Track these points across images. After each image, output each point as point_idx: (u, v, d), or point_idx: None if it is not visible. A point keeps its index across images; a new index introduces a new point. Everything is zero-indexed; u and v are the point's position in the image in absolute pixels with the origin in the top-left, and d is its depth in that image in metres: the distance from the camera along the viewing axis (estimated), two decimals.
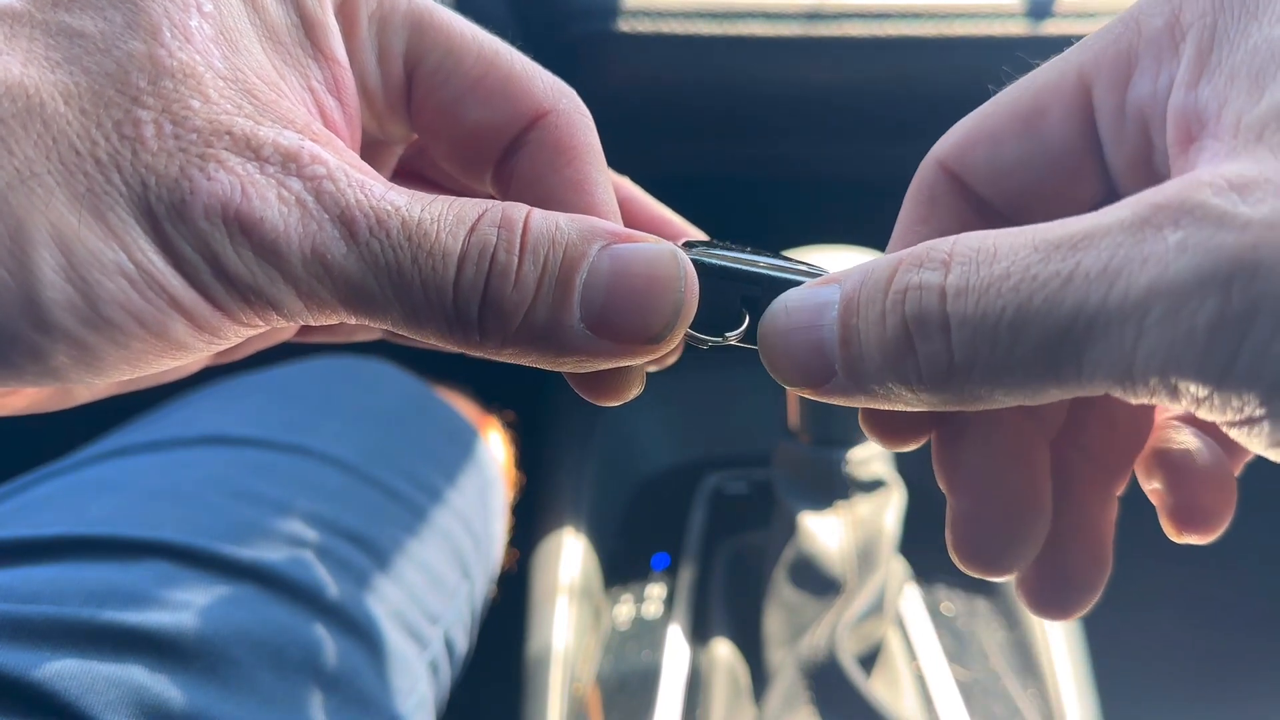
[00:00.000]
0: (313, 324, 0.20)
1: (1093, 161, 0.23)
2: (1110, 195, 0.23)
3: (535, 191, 0.23)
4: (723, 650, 0.62)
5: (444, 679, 0.46)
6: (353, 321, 0.20)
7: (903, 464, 0.63)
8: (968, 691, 0.61)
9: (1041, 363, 0.17)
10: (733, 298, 0.23)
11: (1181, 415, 0.26)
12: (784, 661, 0.58)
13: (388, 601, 0.42)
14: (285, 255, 0.19)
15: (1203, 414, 0.17)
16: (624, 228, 0.21)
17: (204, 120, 0.18)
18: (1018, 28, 0.61)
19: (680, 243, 0.24)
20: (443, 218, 0.20)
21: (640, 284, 0.20)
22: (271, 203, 0.18)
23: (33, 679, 0.31)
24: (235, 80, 0.19)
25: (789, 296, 0.21)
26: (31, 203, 0.17)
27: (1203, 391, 0.16)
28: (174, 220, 0.18)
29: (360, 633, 0.40)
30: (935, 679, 0.61)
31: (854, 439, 0.60)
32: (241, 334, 0.20)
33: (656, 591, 0.69)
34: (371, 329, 0.31)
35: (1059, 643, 0.63)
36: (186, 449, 0.45)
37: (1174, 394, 0.16)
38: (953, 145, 0.24)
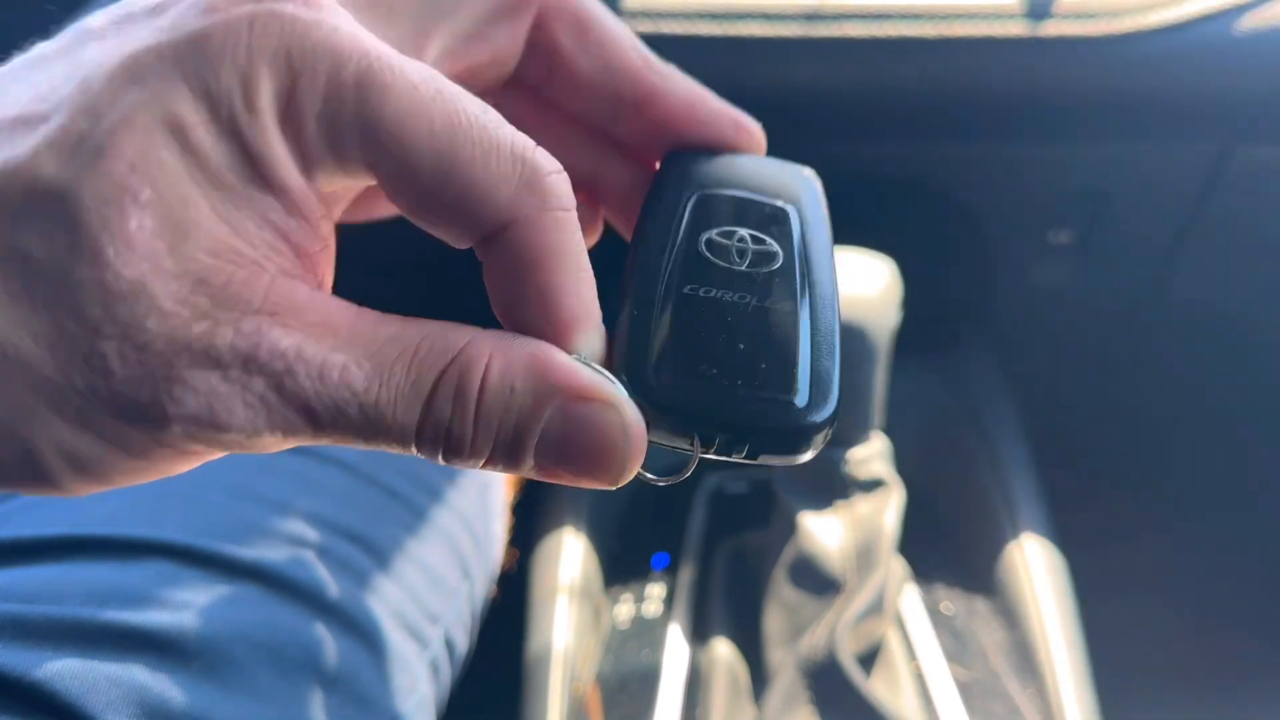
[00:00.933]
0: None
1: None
2: None
3: (504, 295, 0.23)
4: (723, 649, 0.62)
5: (444, 678, 0.46)
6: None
7: (903, 464, 0.63)
8: (967, 691, 0.61)
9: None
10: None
11: None
12: (784, 661, 0.58)
13: (388, 601, 0.42)
14: (257, 441, 0.21)
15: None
16: (581, 380, 0.22)
17: (164, 341, 0.19)
18: (1017, 28, 0.61)
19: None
20: (399, 393, 0.21)
21: (591, 443, 0.22)
22: (238, 411, 0.20)
23: (33, 679, 0.31)
24: (186, 273, 0.19)
25: None
26: (33, 430, 0.19)
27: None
28: (155, 433, 0.20)
29: (361, 632, 0.40)
30: (935, 678, 0.61)
31: (854, 439, 0.60)
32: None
33: (656, 591, 0.69)
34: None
35: (1058, 642, 0.63)
36: None
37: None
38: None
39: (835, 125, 0.68)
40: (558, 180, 0.23)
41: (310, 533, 0.41)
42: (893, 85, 0.65)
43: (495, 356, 0.21)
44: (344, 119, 0.21)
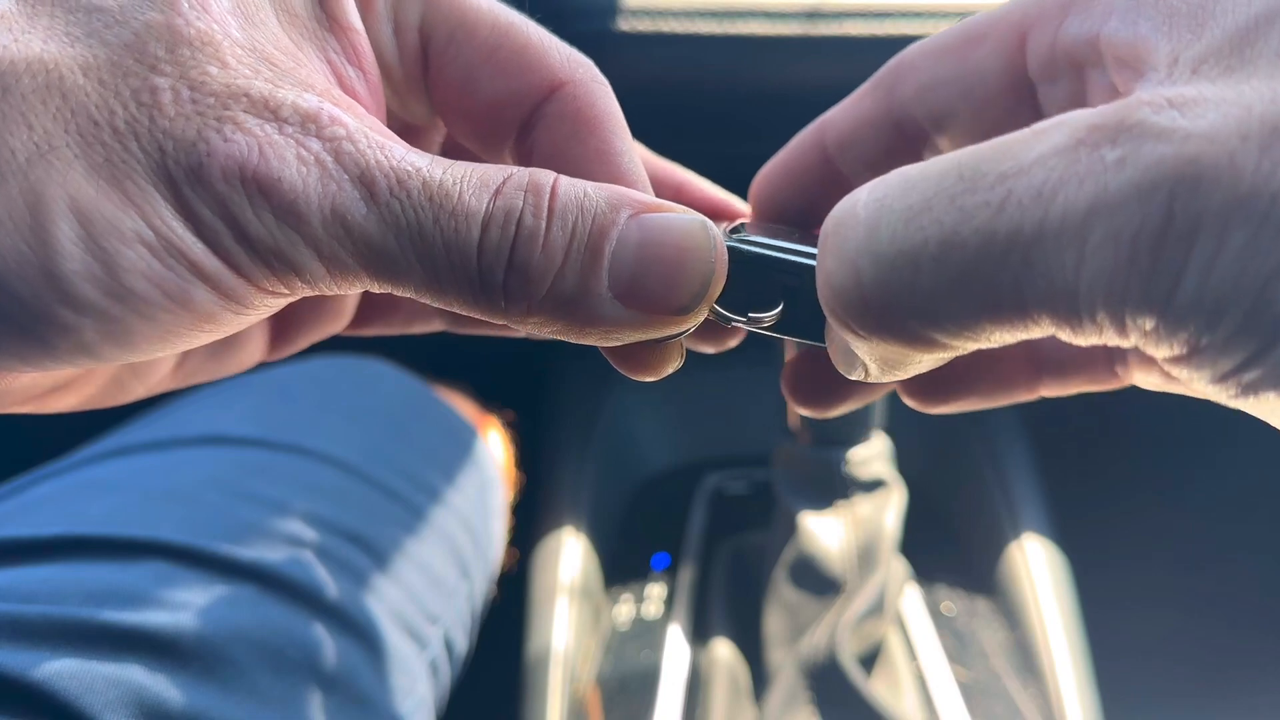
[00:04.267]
0: (337, 291, 0.20)
1: (1021, 104, 0.23)
2: None
3: (557, 164, 0.23)
4: (723, 650, 0.62)
5: (444, 679, 0.46)
6: (376, 289, 0.20)
7: (903, 464, 0.63)
8: (968, 692, 0.60)
9: (976, 298, 0.16)
10: (771, 285, 0.23)
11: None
12: (784, 661, 0.58)
13: (387, 601, 0.42)
14: (305, 216, 0.18)
15: (1150, 349, 0.16)
16: (653, 198, 0.21)
17: (221, 85, 0.18)
18: None
19: (727, 226, 0.24)
20: (466, 180, 0.19)
21: (669, 253, 0.20)
22: (290, 163, 0.18)
23: (32, 679, 0.31)
24: (252, 49, 0.19)
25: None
26: (50, 175, 0.17)
27: (1149, 323, 0.15)
28: (192, 184, 0.18)
29: (359, 633, 0.40)
30: (936, 679, 0.61)
31: (854, 439, 0.60)
32: (269, 303, 0.20)
33: (656, 591, 0.69)
34: (428, 317, 0.30)
35: (1060, 643, 0.63)
36: (185, 449, 0.45)
37: (1121, 327, 0.15)
38: (900, 56, 0.25)
39: None
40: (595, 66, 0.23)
41: (309, 533, 0.41)
42: None
43: (559, 175, 0.20)
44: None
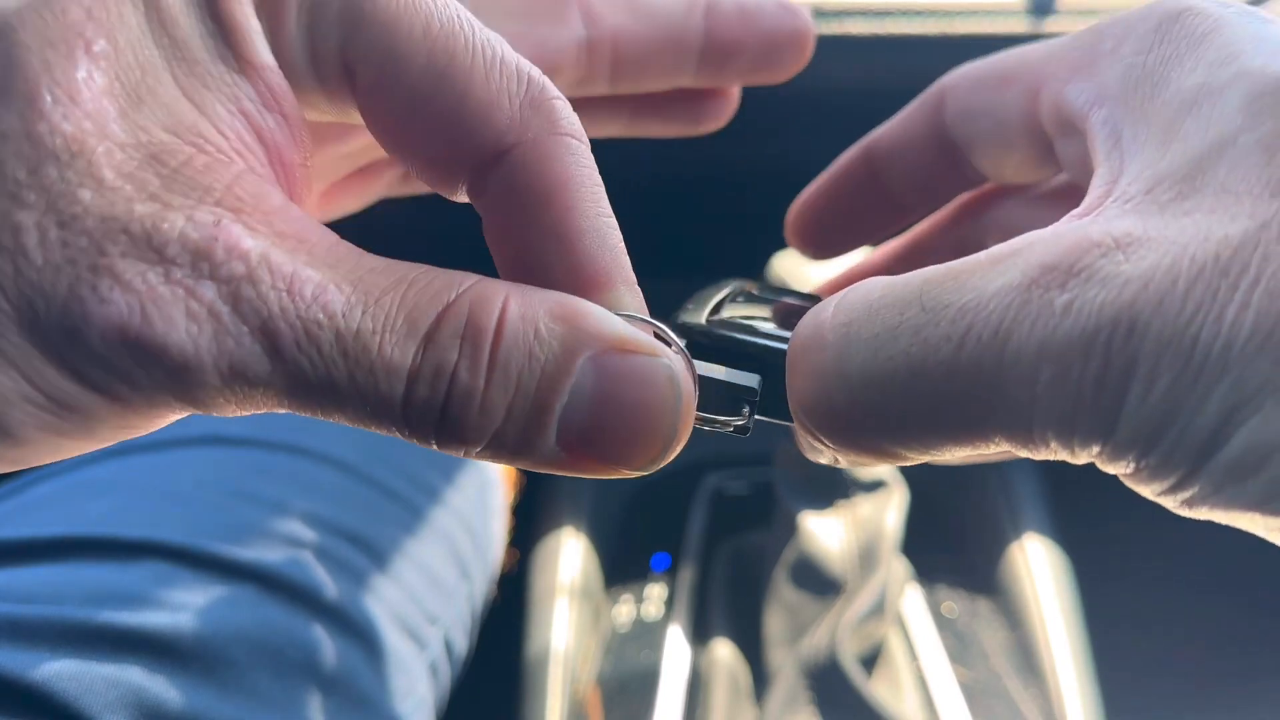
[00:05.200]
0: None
1: (1042, 152, 0.24)
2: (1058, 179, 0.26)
3: (510, 241, 0.19)
4: (723, 651, 0.61)
5: (443, 680, 0.46)
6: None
7: (904, 465, 0.63)
8: (969, 692, 0.60)
9: (940, 423, 0.17)
10: (742, 374, 0.22)
11: None
12: (785, 662, 0.58)
13: (386, 602, 0.42)
14: (199, 375, 0.16)
15: (1103, 466, 0.17)
16: (619, 327, 0.18)
17: (96, 217, 0.15)
18: (1020, 25, 0.61)
19: (675, 320, 0.23)
20: (390, 323, 0.16)
21: (629, 410, 0.18)
22: (178, 322, 0.15)
23: (30, 680, 0.31)
24: (137, 145, 0.16)
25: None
26: None
27: (1095, 447, 0.17)
28: (70, 345, 0.15)
29: (359, 633, 0.40)
30: (937, 680, 0.61)
31: None
32: (176, 417, 0.18)
33: (657, 592, 0.69)
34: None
35: (1061, 643, 0.62)
36: (184, 449, 0.44)
37: (1072, 451, 0.17)
38: (947, 76, 0.25)
39: (836, 124, 0.68)
40: (566, 105, 0.19)
41: (308, 533, 0.41)
42: (894, 84, 0.64)
43: (513, 296, 0.17)
44: (328, 13, 0.18)
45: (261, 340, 0.16)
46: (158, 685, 0.33)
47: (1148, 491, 0.17)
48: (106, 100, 0.16)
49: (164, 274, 0.15)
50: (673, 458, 0.19)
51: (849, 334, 0.18)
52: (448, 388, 0.17)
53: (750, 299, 0.25)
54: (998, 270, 0.17)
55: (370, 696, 0.39)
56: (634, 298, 0.19)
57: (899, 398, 0.17)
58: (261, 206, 0.17)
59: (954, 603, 0.68)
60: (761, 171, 0.74)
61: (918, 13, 0.61)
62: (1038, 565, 0.67)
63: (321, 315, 0.16)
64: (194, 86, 0.17)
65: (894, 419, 0.18)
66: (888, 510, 0.60)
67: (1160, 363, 0.16)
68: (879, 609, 0.59)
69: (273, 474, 0.44)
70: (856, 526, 0.60)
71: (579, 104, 0.26)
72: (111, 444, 0.18)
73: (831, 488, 0.60)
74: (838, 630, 0.56)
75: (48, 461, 0.17)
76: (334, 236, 0.17)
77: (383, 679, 0.40)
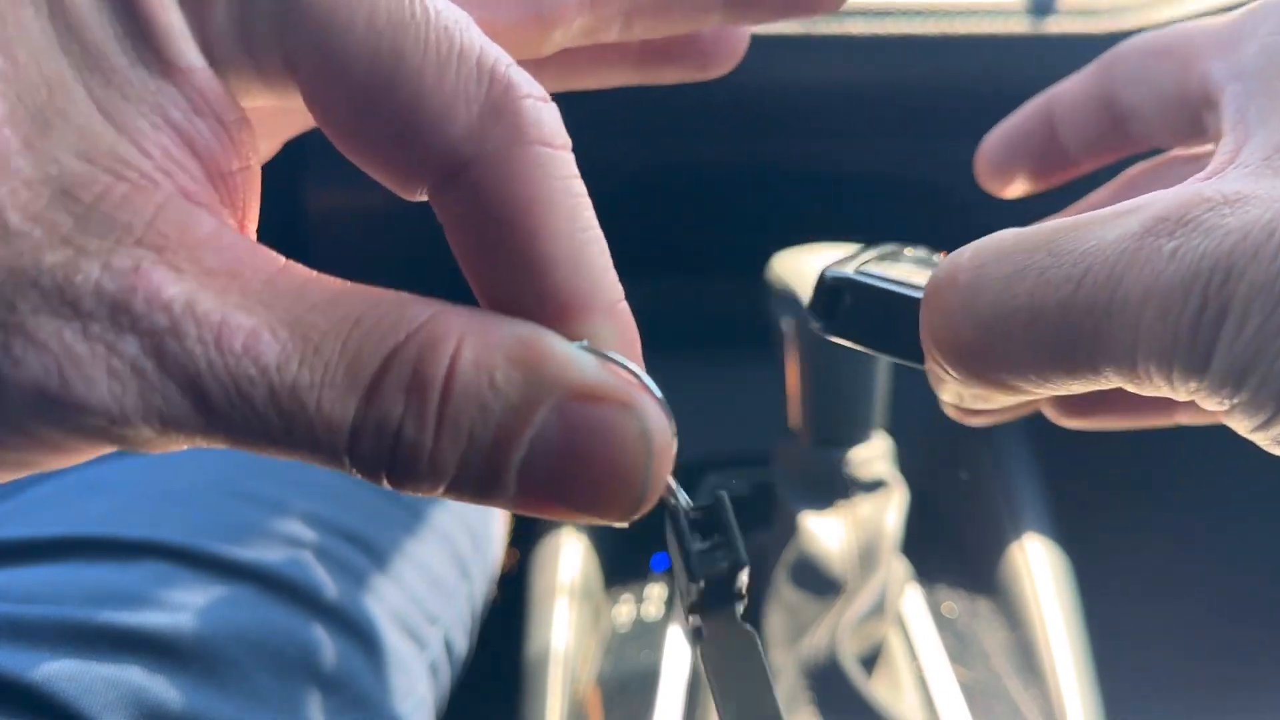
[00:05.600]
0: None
1: (1192, 123, 0.26)
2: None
3: (474, 261, 0.17)
4: None
5: (443, 680, 0.46)
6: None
7: (904, 464, 0.63)
8: (969, 692, 0.60)
9: (1057, 356, 0.19)
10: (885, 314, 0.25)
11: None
12: (785, 662, 0.58)
13: (386, 602, 0.42)
14: (130, 429, 0.15)
15: (1201, 403, 0.19)
16: (585, 377, 0.16)
17: (3, 270, 0.14)
18: (1019, 26, 0.61)
19: (824, 272, 0.26)
20: (329, 376, 0.15)
21: (594, 465, 0.16)
22: (99, 381, 0.14)
23: (30, 680, 0.31)
24: (45, 180, 0.14)
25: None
26: None
27: (1192, 385, 0.18)
28: None
29: (359, 634, 0.40)
30: (937, 680, 0.61)
31: (855, 439, 0.60)
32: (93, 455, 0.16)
33: (656, 592, 0.69)
34: None
35: (1061, 644, 0.62)
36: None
37: (1172, 387, 0.18)
38: (1121, 44, 0.28)
39: (835, 124, 0.68)
40: (539, 107, 0.17)
41: (308, 533, 0.41)
42: (894, 83, 0.64)
43: (468, 337, 0.16)
44: (259, 3, 0.16)
45: (190, 397, 0.15)
46: (158, 685, 0.33)
47: (1243, 428, 0.19)
48: (7, 130, 0.14)
49: (81, 330, 0.14)
50: (648, 509, 0.17)
51: (981, 274, 0.20)
52: (392, 443, 0.15)
53: (899, 259, 0.28)
54: (1119, 221, 0.19)
55: (370, 696, 0.39)
56: (613, 329, 0.17)
57: (1022, 332, 0.19)
58: (188, 240, 0.15)
59: (954, 603, 0.68)
60: (762, 170, 0.74)
61: (917, 13, 0.61)
62: (1038, 565, 0.67)
63: (253, 370, 0.15)
64: (111, 100, 0.15)
65: (1017, 352, 0.19)
66: (888, 510, 0.60)
67: (1251, 307, 0.17)
68: (879, 609, 0.59)
69: (272, 474, 0.44)
70: (856, 526, 0.60)
71: (581, 52, 0.26)
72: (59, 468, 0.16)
73: (831, 488, 0.61)
74: (838, 630, 0.56)
75: None
76: (275, 264, 0.16)
77: (383, 679, 0.40)
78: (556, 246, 0.16)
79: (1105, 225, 0.19)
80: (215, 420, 0.15)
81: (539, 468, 0.16)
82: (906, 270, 0.26)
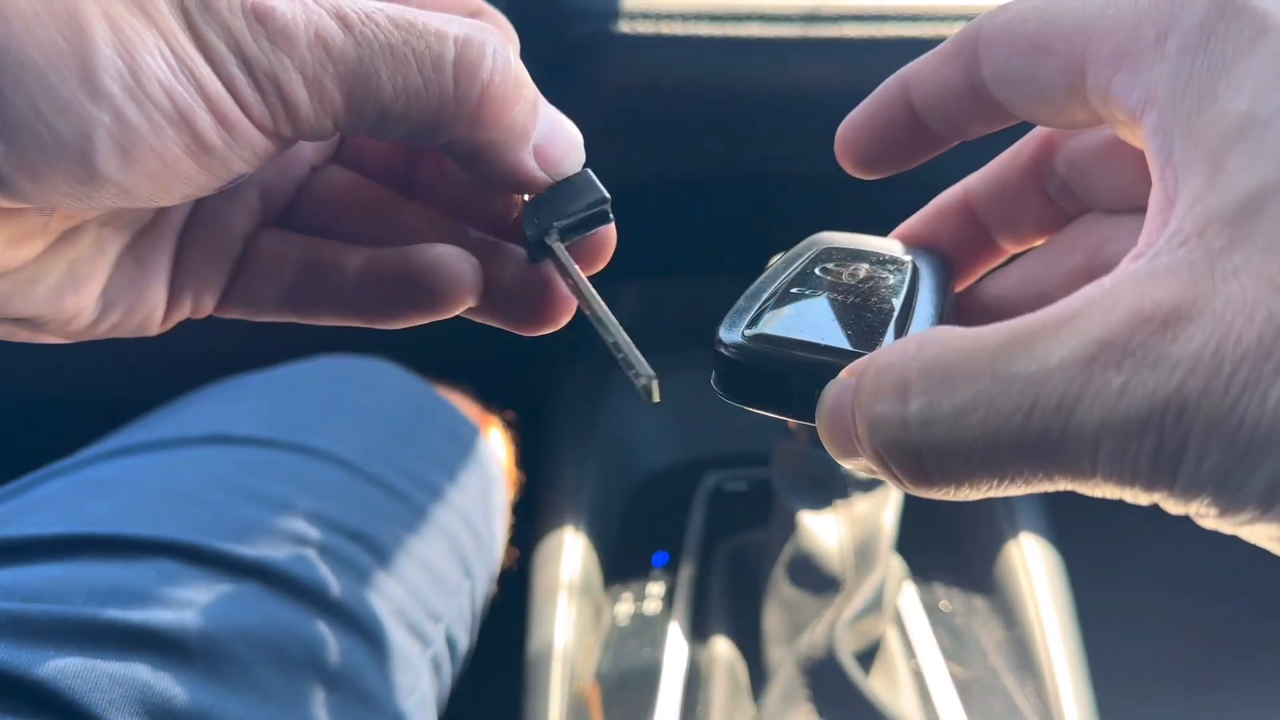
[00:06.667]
0: (320, 136, 0.22)
1: (1087, 113, 0.24)
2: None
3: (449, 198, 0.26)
4: (722, 648, 0.62)
5: (446, 676, 0.47)
6: (355, 128, 0.22)
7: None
8: (965, 689, 0.61)
9: (1014, 474, 0.19)
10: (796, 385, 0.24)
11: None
12: (783, 659, 0.58)
13: (390, 599, 0.42)
14: (294, 39, 0.21)
15: (1168, 510, 0.19)
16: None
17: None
18: None
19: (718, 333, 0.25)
20: (426, 16, 0.22)
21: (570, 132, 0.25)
22: (282, 8, 0.21)
23: (36, 677, 0.31)
24: None
25: (828, 396, 0.23)
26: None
27: (1157, 498, 0.19)
28: (203, 13, 0.20)
29: (363, 630, 0.40)
30: (933, 676, 0.61)
31: None
32: (257, 144, 0.22)
33: (656, 589, 0.69)
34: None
35: (1057, 640, 0.63)
36: (189, 448, 0.45)
37: (1135, 499, 0.19)
38: (981, 27, 0.25)
39: (834, 126, 0.68)
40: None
41: (312, 531, 0.41)
42: None
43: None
44: None
45: (336, 20, 0.21)
46: (163, 682, 0.33)
47: (1219, 527, 0.19)
48: None
49: None
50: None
51: (932, 408, 0.20)
52: (485, 50, 0.23)
53: (813, 287, 0.26)
54: (1060, 340, 0.19)
55: (374, 693, 0.39)
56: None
57: (980, 461, 0.20)
58: None
59: (950, 600, 0.68)
60: (760, 173, 0.75)
61: (914, 17, 0.61)
62: (1034, 563, 0.67)
63: (374, 6, 0.22)
64: None
65: (975, 473, 0.20)
66: (885, 508, 0.61)
67: (1209, 441, 0.17)
68: (876, 606, 0.59)
69: (277, 473, 0.44)
70: (854, 524, 0.61)
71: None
72: (199, 168, 0.21)
73: (829, 486, 0.61)
74: (835, 627, 0.57)
75: (141, 171, 0.20)
76: None
77: (386, 676, 0.40)
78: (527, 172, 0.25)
79: (1047, 345, 0.19)
80: (352, 36, 0.22)
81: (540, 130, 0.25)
82: (818, 312, 0.25)
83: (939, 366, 0.20)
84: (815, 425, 0.23)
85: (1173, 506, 0.19)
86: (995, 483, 0.20)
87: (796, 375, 0.23)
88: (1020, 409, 0.19)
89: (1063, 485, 0.20)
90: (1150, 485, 0.18)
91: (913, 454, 0.20)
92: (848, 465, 0.23)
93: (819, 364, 0.23)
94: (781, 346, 0.24)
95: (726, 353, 0.24)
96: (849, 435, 0.22)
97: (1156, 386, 0.17)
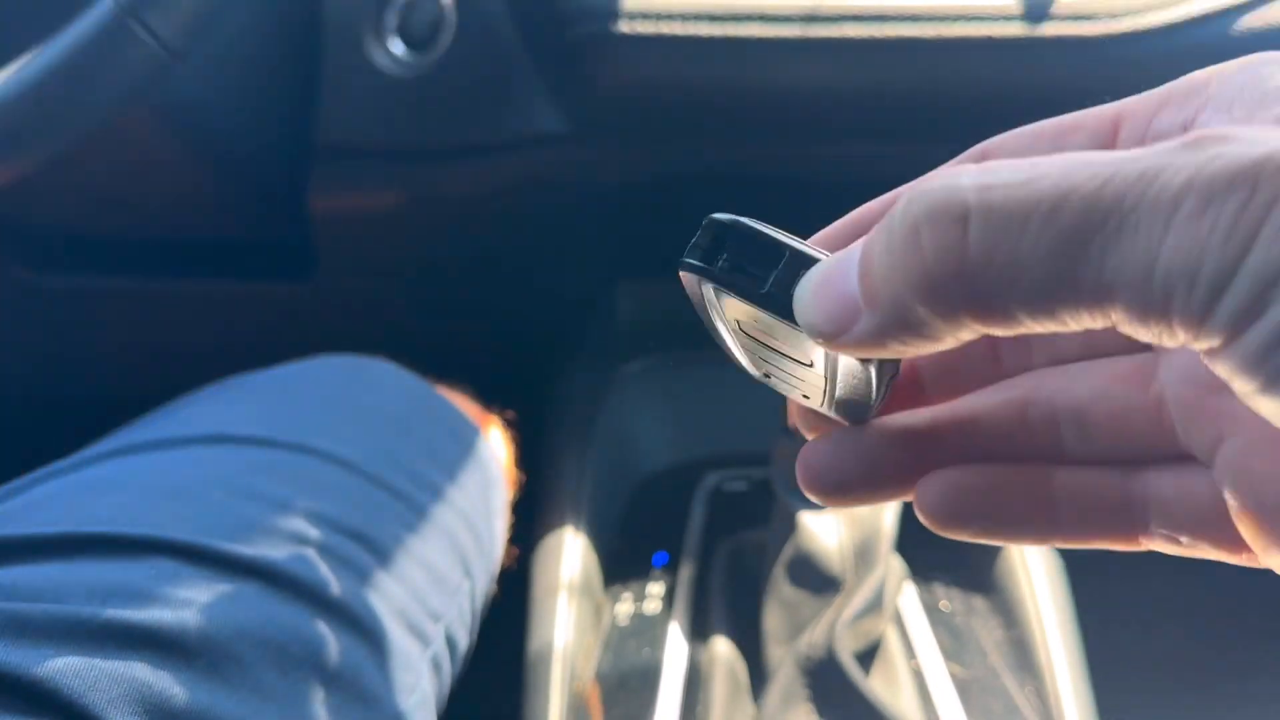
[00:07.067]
0: None
1: None
2: None
3: None
4: (722, 647, 0.62)
5: (445, 676, 0.47)
6: None
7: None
8: (965, 689, 0.61)
9: (1064, 260, 0.17)
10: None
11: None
12: (783, 659, 0.58)
13: (390, 599, 0.43)
14: None
15: (1200, 340, 0.17)
16: None
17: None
18: (1015, 29, 0.62)
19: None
20: None
21: None
22: None
23: (35, 676, 0.32)
24: None
25: (822, 263, 0.21)
26: None
27: (1208, 298, 0.16)
28: None
29: (363, 630, 0.40)
30: (933, 676, 0.61)
31: None
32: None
33: (656, 589, 0.69)
34: None
35: (1057, 640, 0.63)
36: (189, 448, 0.45)
37: (1186, 304, 0.16)
38: (996, 140, 0.25)
39: (834, 127, 0.68)
40: None
41: (312, 531, 0.41)
42: (892, 87, 0.65)
43: None
44: None
45: None
46: (163, 681, 0.33)
47: (1234, 361, 0.17)
48: None
49: None
50: None
51: (995, 173, 0.18)
52: None
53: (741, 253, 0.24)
54: (1150, 144, 0.18)
55: (374, 692, 0.39)
56: None
57: (1037, 232, 0.17)
58: None
59: (950, 600, 0.68)
60: (760, 173, 0.75)
61: (914, 17, 0.61)
62: (1033, 563, 0.67)
63: None
64: None
65: (1026, 253, 0.17)
66: (885, 508, 0.61)
67: None
68: (876, 606, 0.59)
69: (277, 472, 0.44)
70: (854, 524, 0.61)
71: None
72: None
73: None
74: (835, 627, 0.57)
75: None
76: None
77: (386, 675, 0.40)
78: None
79: (1130, 152, 0.17)
80: None
81: None
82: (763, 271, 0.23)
83: (1003, 149, 0.19)
84: (792, 302, 0.21)
85: (1213, 320, 0.16)
86: (1038, 273, 0.17)
87: (790, 251, 0.22)
88: (1097, 175, 0.17)
89: (1111, 296, 0.17)
90: (1220, 262, 0.16)
91: (958, 221, 0.17)
92: (830, 341, 0.20)
93: (813, 257, 0.21)
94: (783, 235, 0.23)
95: (721, 218, 0.23)
96: (843, 294, 0.20)
97: (1252, 153, 0.16)
